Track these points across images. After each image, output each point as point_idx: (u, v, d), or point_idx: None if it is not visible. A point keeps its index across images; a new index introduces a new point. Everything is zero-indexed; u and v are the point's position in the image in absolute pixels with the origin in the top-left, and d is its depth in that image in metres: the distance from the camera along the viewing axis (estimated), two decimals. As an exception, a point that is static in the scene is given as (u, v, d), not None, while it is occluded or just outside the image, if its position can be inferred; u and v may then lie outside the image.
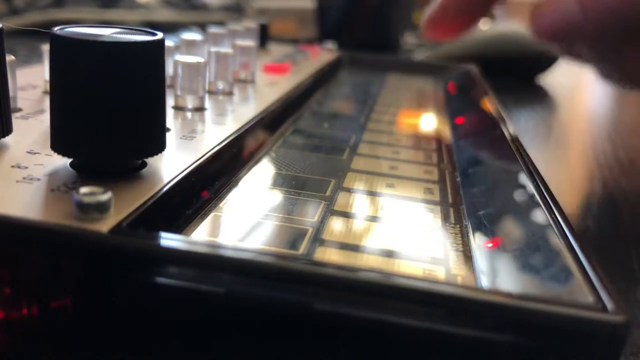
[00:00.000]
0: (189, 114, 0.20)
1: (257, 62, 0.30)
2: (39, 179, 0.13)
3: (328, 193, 0.17)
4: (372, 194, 0.17)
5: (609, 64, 0.31)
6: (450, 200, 0.17)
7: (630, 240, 0.24)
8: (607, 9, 0.27)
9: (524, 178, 0.17)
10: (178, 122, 0.19)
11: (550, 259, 0.13)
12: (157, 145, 0.14)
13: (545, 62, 0.56)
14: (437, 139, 0.24)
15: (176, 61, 0.21)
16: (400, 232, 0.15)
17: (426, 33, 0.32)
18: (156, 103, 0.14)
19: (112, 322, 0.11)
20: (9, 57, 0.17)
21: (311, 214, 0.15)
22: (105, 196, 0.12)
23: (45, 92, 0.21)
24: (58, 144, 0.13)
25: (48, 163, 0.14)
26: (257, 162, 0.19)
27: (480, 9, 0.32)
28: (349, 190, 0.17)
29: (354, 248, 0.14)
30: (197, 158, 0.16)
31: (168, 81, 0.20)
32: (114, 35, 0.13)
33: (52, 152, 0.14)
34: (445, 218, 0.16)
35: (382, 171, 0.19)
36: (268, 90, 0.26)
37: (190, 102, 0.21)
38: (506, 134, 0.22)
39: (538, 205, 0.15)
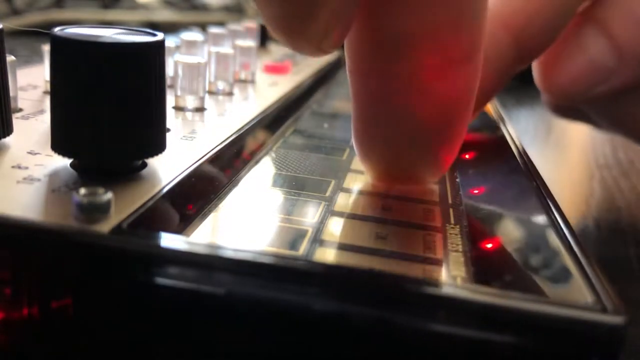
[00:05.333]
0: (189, 114, 0.20)
1: (258, 62, 0.30)
2: (39, 180, 0.13)
3: (328, 193, 0.17)
4: (372, 194, 0.17)
5: (617, 119, 0.25)
6: (449, 200, 0.17)
7: (629, 241, 0.24)
8: None
9: (523, 178, 0.17)
10: (178, 122, 0.19)
11: (550, 259, 0.13)
12: (158, 146, 0.14)
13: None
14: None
15: (176, 61, 0.21)
16: (400, 233, 0.15)
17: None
18: (156, 103, 0.14)
19: (112, 322, 0.11)
20: (10, 58, 0.17)
21: (311, 215, 0.15)
22: (106, 197, 0.12)
23: (45, 93, 0.21)
24: (58, 145, 0.13)
25: (48, 163, 0.14)
26: (257, 162, 0.19)
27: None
28: (349, 191, 0.17)
29: (354, 248, 0.14)
30: (197, 158, 0.16)
31: (168, 81, 0.20)
32: (115, 35, 0.13)
33: (52, 153, 0.14)
34: (444, 218, 0.16)
35: (382, 171, 0.19)
36: (268, 90, 0.26)
37: (190, 102, 0.21)
38: (506, 134, 0.22)
39: (537, 205, 0.15)
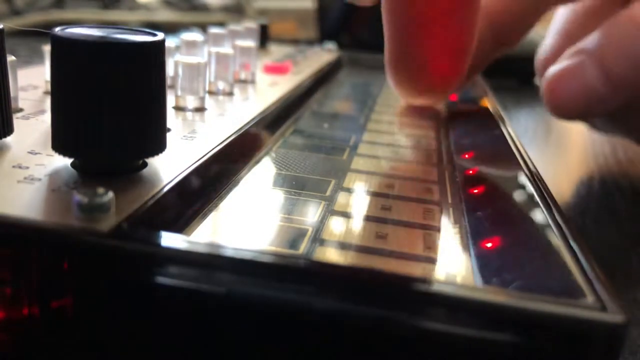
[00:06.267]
0: (189, 114, 0.20)
1: (258, 62, 0.30)
2: (40, 179, 0.13)
3: (328, 193, 0.17)
4: (372, 194, 0.17)
5: (623, 128, 0.29)
6: (449, 200, 0.17)
7: (629, 240, 0.24)
8: (635, 68, 0.23)
9: (523, 178, 0.17)
10: (179, 122, 0.19)
11: (549, 258, 0.13)
12: (158, 146, 0.14)
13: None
14: (437, 139, 0.24)
15: (177, 61, 0.21)
16: (400, 232, 0.15)
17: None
18: (157, 103, 0.14)
19: (113, 322, 0.11)
20: (10, 58, 0.17)
21: (311, 214, 0.15)
22: (106, 196, 0.12)
23: (46, 93, 0.21)
24: (59, 144, 0.13)
25: (49, 163, 0.14)
26: (257, 162, 0.19)
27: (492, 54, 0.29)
28: (349, 190, 0.17)
29: (354, 248, 0.14)
30: (197, 158, 0.16)
31: (168, 81, 0.20)
32: (115, 35, 0.13)
33: (53, 153, 0.14)
34: (444, 218, 0.16)
35: (382, 171, 0.19)
36: (268, 90, 0.26)
37: (190, 102, 0.21)
38: (505, 134, 0.22)
39: (537, 205, 0.15)
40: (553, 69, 0.25)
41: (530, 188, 0.16)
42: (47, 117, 0.18)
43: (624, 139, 0.31)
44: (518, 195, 0.17)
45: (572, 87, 0.25)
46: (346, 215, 0.16)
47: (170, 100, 0.21)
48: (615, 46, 0.24)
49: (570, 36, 0.29)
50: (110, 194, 0.12)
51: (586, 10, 0.30)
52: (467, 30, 0.23)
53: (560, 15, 0.31)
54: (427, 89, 0.25)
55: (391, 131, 0.25)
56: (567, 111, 0.25)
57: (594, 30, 0.25)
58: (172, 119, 0.19)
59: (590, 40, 0.25)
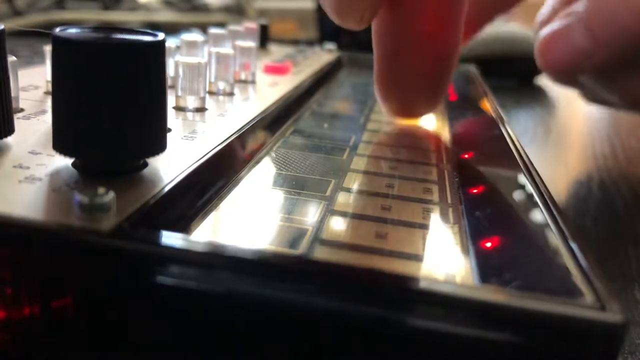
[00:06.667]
0: (189, 115, 0.20)
1: (258, 62, 0.30)
2: (40, 179, 0.13)
3: (328, 193, 0.17)
4: (372, 194, 0.17)
5: (611, 90, 0.31)
6: (449, 200, 0.17)
7: (628, 240, 0.24)
8: (617, 30, 0.26)
9: (522, 178, 0.17)
10: (179, 122, 0.19)
11: (549, 258, 0.13)
12: (158, 146, 0.14)
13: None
14: (437, 139, 0.24)
15: (177, 62, 0.21)
16: (400, 232, 0.15)
17: None
18: (157, 103, 0.14)
19: (113, 322, 0.11)
20: (11, 58, 0.17)
21: (311, 214, 0.15)
22: (107, 196, 0.12)
23: (46, 93, 0.21)
24: (60, 144, 0.13)
25: (50, 163, 0.14)
26: (257, 162, 0.19)
27: (488, 16, 0.31)
28: (349, 190, 0.17)
29: (354, 248, 0.14)
30: (197, 158, 0.16)
31: (169, 82, 0.20)
32: (115, 36, 0.13)
33: (53, 152, 0.14)
34: (444, 218, 0.16)
35: (382, 171, 0.19)
36: (268, 90, 0.26)
37: (191, 102, 0.21)
38: (505, 134, 0.22)
39: (536, 204, 0.15)
40: (545, 31, 0.28)
41: (529, 188, 0.16)
42: (48, 117, 0.18)
43: (616, 108, 0.33)
44: (517, 195, 0.17)
45: (561, 46, 0.27)
46: (346, 215, 0.16)
47: (171, 101, 0.21)
48: (601, 9, 0.26)
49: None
50: (111, 194, 0.12)
51: None
52: (454, 46, 0.23)
53: None
54: (415, 104, 0.25)
55: (391, 131, 0.25)
56: (556, 68, 0.28)
57: None
58: (172, 119, 0.19)
59: (579, 4, 0.28)
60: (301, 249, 0.13)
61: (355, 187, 0.18)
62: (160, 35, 0.14)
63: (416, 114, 0.25)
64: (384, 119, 0.27)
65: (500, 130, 0.23)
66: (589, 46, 0.26)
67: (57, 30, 0.13)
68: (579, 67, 0.28)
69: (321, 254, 0.13)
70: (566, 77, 0.30)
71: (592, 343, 0.10)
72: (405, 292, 0.10)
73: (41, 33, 0.16)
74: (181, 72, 0.21)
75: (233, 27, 0.35)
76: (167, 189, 0.14)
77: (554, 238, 0.13)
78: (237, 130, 0.19)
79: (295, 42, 0.51)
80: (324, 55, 0.40)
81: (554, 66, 0.29)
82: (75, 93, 0.13)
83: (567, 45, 0.27)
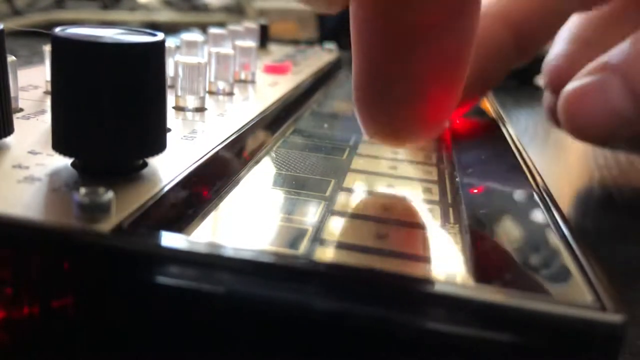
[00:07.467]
0: (189, 114, 0.20)
1: (258, 62, 0.30)
2: (40, 179, 0.13)
3: (328, 193, 0.17)
4: (372, 194, 0.17)
5: None
6: (449, 199, 0.17)
7: (628, 240, 0.24)
8: None
9: (522, 178, 0.17)
10: (179, 122, 0.19)
11: (549, 258, 0.13)
12: (158, 146, 0.14)
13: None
14: (437, 139, 0.24)
15: (177, 62, 0.21)
16: (400, 232, 0.15)
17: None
18: (157, 103, 0.14)
19: (113, 322, 0.11)
20: (10, 58, 0.17)
21: (311, 214, 0.15)
22: (106, 196, 0.12)
23: (46, 93, 0.21)
24: (59, 144, 0.13)
25: (49, 163, 0.14)
26: (257, 162, 0.19)
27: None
28: (349, 190, 0.17)
29: (354, 248, 0.14)
30: (197, 158, 0.16)
31: (169, 81, 0.20)
32: (115, 36, 0.13)
33: (53, 152, 0.14)
34: (444, 217, 0.16)
35: (382, 171, 0.19)
36: (268, 90, 0.26)
37: (190, 102, 0.21)
38: (505, 134, 0.22)
39: (537, 204, 0.15)
40: (573, 86, 0.23)
41: (529, 188, 0.16)
42: (47, 117, 0.18)
43: None
44: (517, 195, 0.17)
45: (596, 107, 0.22)
46: (346, 215, 0.16)
47: (171, 100, 0.21)
48: None
49: (588, 44, 0.26)
50: (111, 194, 0.12)
51: (604, 15, 0.27)
52: (466, 51, 0.16)
53: (572, 21, 0.28)
54: (407, 128, 0.17)
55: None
56: (589, 134, 0.23)
57: (614, 39, 0.23)
58: (172, 119, 0.19)
59: (615, 54, 0.22)
60: (301, 249, 0.13)
61: (355, 187, 0.18)
62: (160, 35, 0.14)
63: (408, 139, 0.18)
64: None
65: (500, 130, 0.23)
66: (630, 107, 0.22)
67: (57, 30, 0.13)
68: (616, 133, 0.23)
69: (321, 254, 0.13)
70: (600, 142, 0.26)
71: (592, 343, 0.10)
72: (405, 292, 0.10)
73: (41, 33, 0.16)
74: (181, 72, 0.21)
75: (233, 27, 0.35)
76: (166, 189, 0.14)
77: (554, 238, 0.13)
78: (237, 130, 0.19)
79: (295, 42, 0.51)
80: (324, 55, 0.40)
81: (586, 132, 0.23)
82: (74, 93, 0.13)
83: (602, 107, 0.22)
